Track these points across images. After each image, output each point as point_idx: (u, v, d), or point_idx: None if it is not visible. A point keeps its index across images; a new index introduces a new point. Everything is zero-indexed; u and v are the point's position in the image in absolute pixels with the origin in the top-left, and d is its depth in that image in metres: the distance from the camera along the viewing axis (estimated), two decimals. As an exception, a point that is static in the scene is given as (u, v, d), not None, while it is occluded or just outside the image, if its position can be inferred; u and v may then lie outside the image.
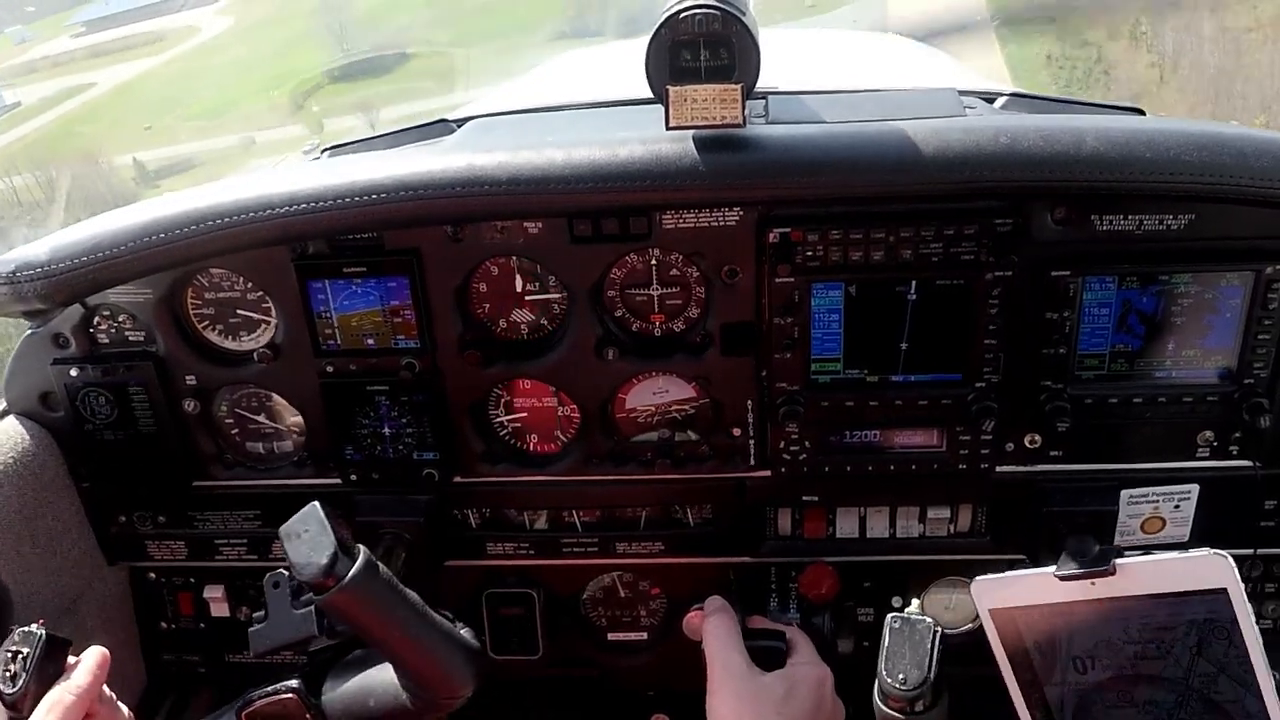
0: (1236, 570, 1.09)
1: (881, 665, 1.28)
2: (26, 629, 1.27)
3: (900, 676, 1.26)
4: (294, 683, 1.35)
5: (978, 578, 1.20)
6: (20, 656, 1.25)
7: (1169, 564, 1.11)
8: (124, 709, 1.34)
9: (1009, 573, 1.19)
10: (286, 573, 1.47)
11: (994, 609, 1.19)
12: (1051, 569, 1.16)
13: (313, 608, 1.34)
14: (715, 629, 1.48)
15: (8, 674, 1.24)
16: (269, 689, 1.35)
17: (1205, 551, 1.09)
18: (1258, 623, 1.75)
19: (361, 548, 1.27)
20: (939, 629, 1.31)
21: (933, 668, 1.25)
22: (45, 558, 1.69)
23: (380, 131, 2.05)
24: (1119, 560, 1.12)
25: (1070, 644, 1.18)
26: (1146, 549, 1.63)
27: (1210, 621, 1.11)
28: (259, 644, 1.37)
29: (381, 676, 1.34)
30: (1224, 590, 1.09)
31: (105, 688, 1.29)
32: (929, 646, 1.27)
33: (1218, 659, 1.12)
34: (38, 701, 1.22)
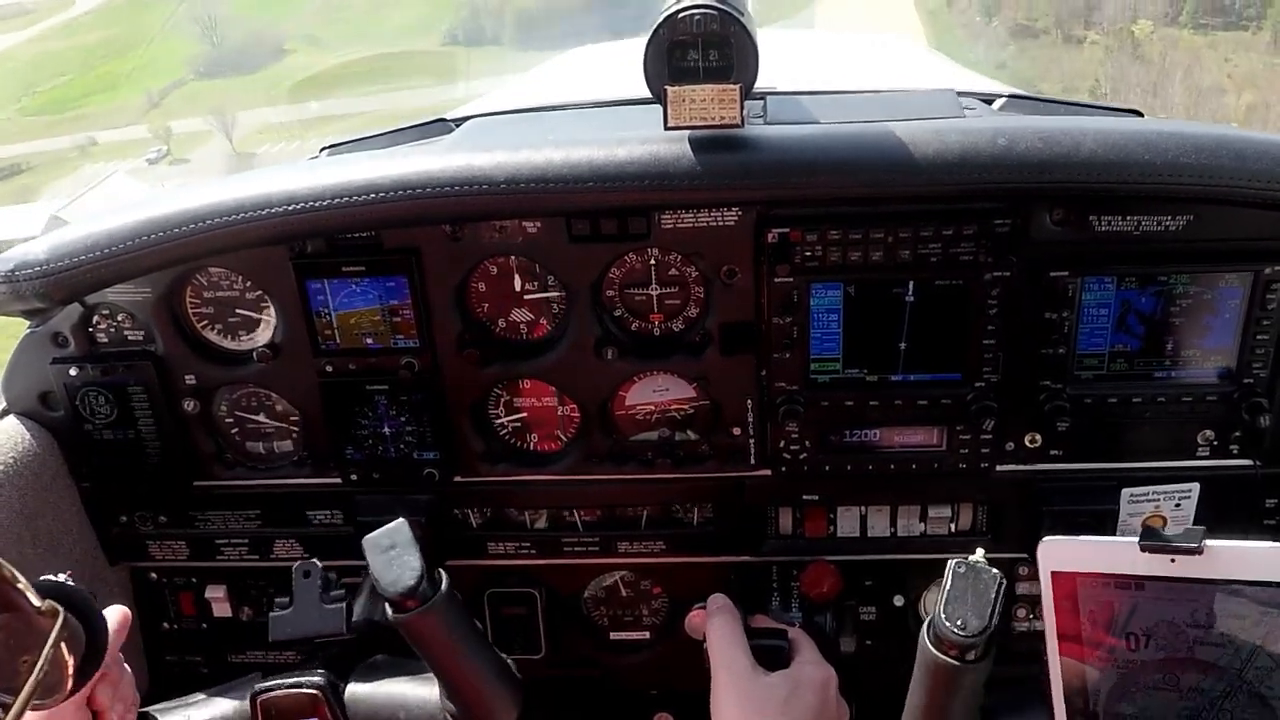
0: None
1: (940, 608, 1.21)
2: (52, 578, 1.25)
3: (959, 621, 1.19)
4: (318, 679, 1.35)
5: (1046, 538, 1.16)
6: None
7: (1261, 551, 1.07)
8: (128, 669, 1.34)
9: (1084, 536, 1.16)
10: (319, 564, 1.47)
11: (1058, 571, 1.16)
12: (1134, 539, 1.11)
13: (343, 606, 1.34)
14: (718, 628, 1.48)
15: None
16: (290, 680, 1.34)
17: None
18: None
19: (443, 574, 1.28)
20: (1004, 581, 1.24)
21: (994, 618, 1.18)
22: (46, 558, 1.69)
23: (377, 130, 2.05)
24: (1208, 541, 1.08)
25: (1129, 619, 1.15)
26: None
27: None
28: (280, 631, 1.37)
29: (417, 692, 1.34)
30: None
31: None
32: (993, 596, 1.20)
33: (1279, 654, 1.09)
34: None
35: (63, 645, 1.07)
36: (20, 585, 1.01)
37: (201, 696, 1.51)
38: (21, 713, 0.91)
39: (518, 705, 1.34)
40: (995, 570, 1.26)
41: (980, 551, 1.29)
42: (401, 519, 1.27)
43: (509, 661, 1.38)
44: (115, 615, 1.28)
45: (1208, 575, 1.10)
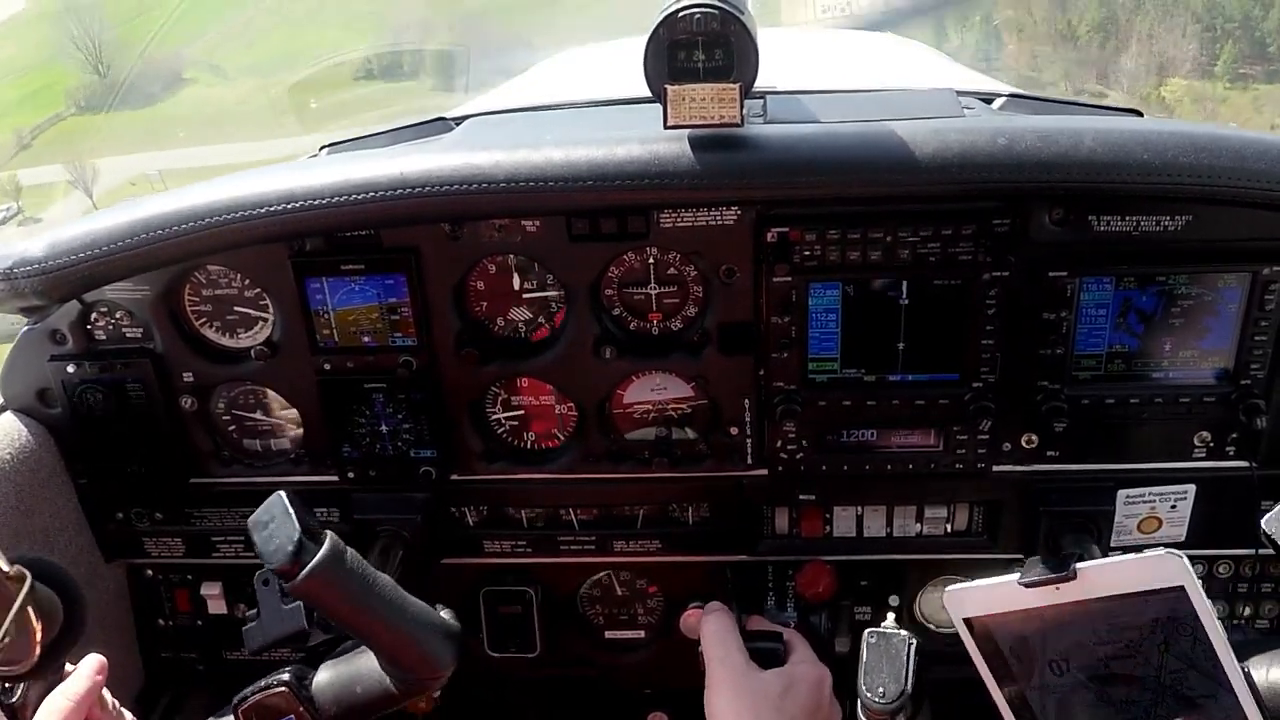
0: (1191, 567, 1.11)
1: (861, 680, 1.32)
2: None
3: (880, 690, 1.30)
4: (285, 676, 1.35)
5: (948, 588, 1.23)
6: None
7: (1125, 565, 1.14)
8: (128, 715, 1.34)
9: (977, 581, 1.22)
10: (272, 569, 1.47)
11: (968, 618, 1.22)
12: (1015, 577, 1.19)
13: (300, 604, 1.34)
14: (713, 627, 1.48)
15: (5, 682, 1.23)
16: (261, 684, 1.35)
17: (1159, 551, 1.12)
18: (1257, 622, 1.76)
19: (328, 532, 1.26)
20: (913, 641, 1.35)
21: (909, 680, 1.31)
22: (42, 554, 1.69)
23: (376, 129, 2.05)
24: (1079, 565, 1.15)
25: (1045, 648, 1.21)
26: (1143, 548, 1.63)
27: (1173, 619, 1.14)
28: (253, 641, 1.37)
29: (367, 663, 1.35)
30: (1181, 588, 1.11)
31: (106, 692, 1.29)
32: (905, 659, 1.33)
33: (1185, 654, 1.15)
34: (36, 709, 1.22)
35: (30, 611, 1.06)
36: None
37: None
38: None
39: (451, 651, 1.33)
40: (904, 633, 1.36)
41: (891, 617, 1.41)
42: (279, 491, 1.26)
43: (443, 613, 1.36)
44: (90, 663, 1.28)
45: (1089, 596, 1.16)
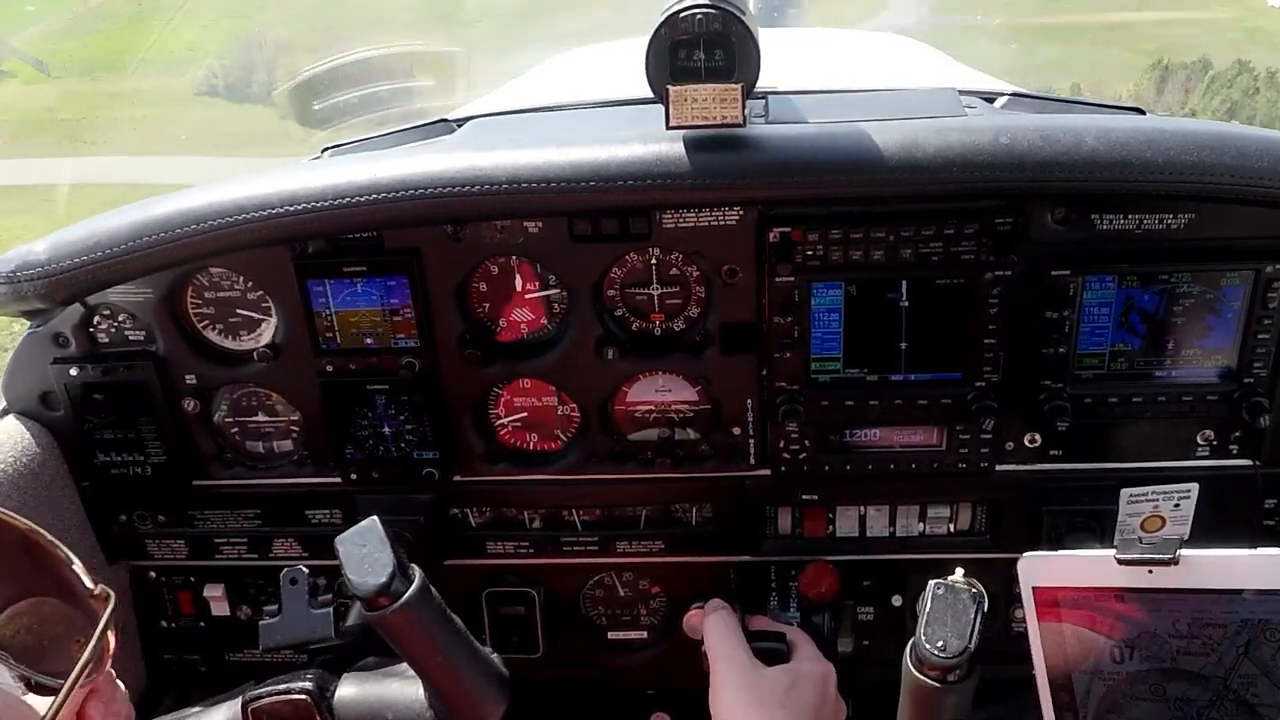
0: None
1: (921, 630, 1.22)
2: None
3: (940, 643, 1.21)
4: (308, 684, 1.34)
5: (1025, 555, 1.16)
6: None
7: (1235, 560, 1.08)
8: (121, 686, 1.34)
9: (1061, 551, 1.16)
10: (306, 570, 1.47)
11: (1039, 587, 1.16)
12: (1111, 551, 1.13)
13: (330, 610, 1.33)
14: (716, 625, 1.48)
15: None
16: (280, 687, 1.34)
17: (1275, 551, 1.06)
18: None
19: (417, 569, 1.27)
20: (984, 599, 1.26)
21: (974, 638, 1.20)
22: None
23: (379, 131, 2.05)
24: (1183, 551, 1.09)
25: (1112, 631, 1.15)
26: None
27: (1265, 622, 1.08)
28: (270, 639, 1.36)
29: (404, 692, 1.33)
30: None
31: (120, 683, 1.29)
32: (972, 616, 1.22)
33: (1264, 662, 1.09)
34: None
35: (109, 630, 1.07)
36: (76, 567, 1.00)
37: (194, 710, 1.52)
38: (70, 692, 0.91)
39: (503, 701, 1.33)
40: (976, 589, 1.27)
41: (959, 571, 1.30)
42: (374, 516, 1.26)
43: (494, 657, 1.37)
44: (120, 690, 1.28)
45: (1185, 585, 1.11)
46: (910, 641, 1.23)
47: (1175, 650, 1.13)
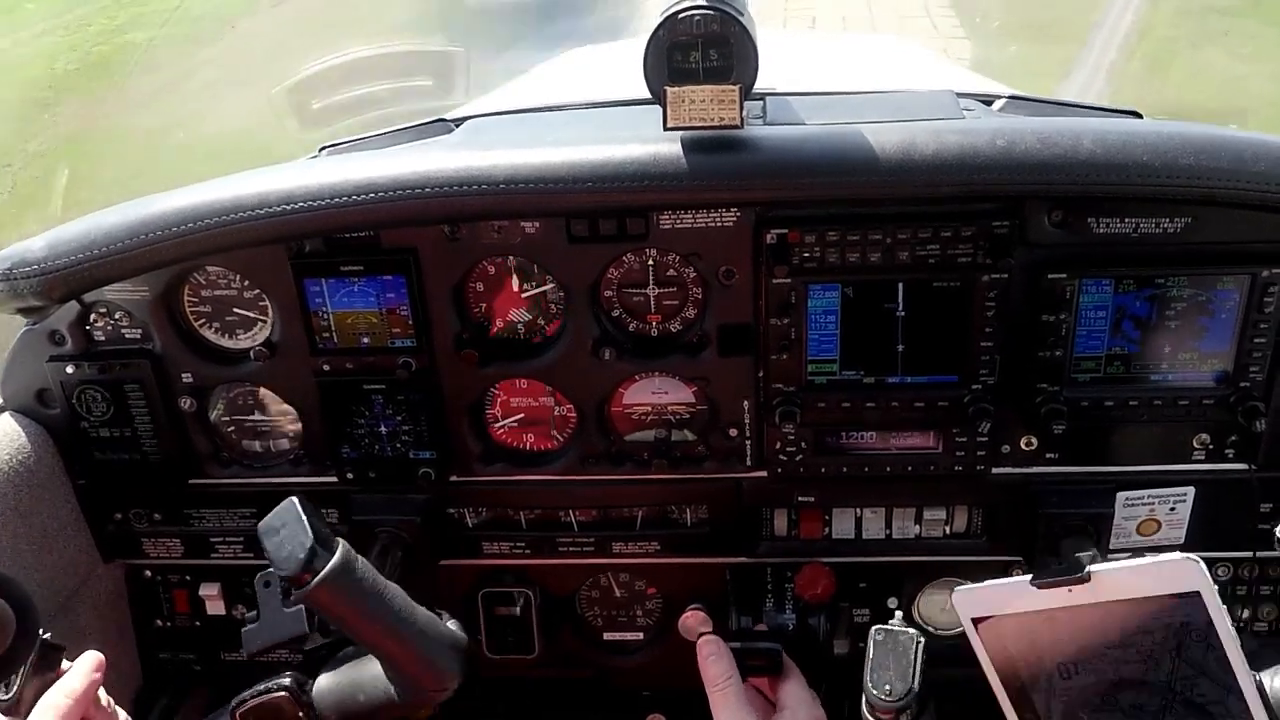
0: (1208, 573, 1.10)
1: (867, 677, 1.30)
2: None
3: (886, 688, 1.28)
4: (285, 680, 1.35)
5: (957, 589, 1.22)
6: None
7: (1142, 569, 1.12)
8: (123, 715, 1.34)
9: (987, 581, 1.21)
10: (275, 571, 1.47)
11: (976, 618, 1.21)
12: (1027, 578, 1.17)
13: (302, 607, 1.33)
14: (721, 695, 1.45)
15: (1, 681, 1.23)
16: (260, 688, 1.35)
17: (1177, 555, 1.10)
18: (1255, 625, 1.76)
19: (340, 540, 1.26)
20: (921, 640, 1.33)
21: (917, 678, 1.28)
22: (40, 555, 1.69)
23: (376, 130, 2.05)
24: (1093, 567, 1.13)
25: (1054, 650, 1.19)
26: (1142, 551, 1.63)
27: (1187, 625, 1.12)
28: (251, 644, 1.37)
29: (371, 671, 1.34)
30: (1197, 593, 1.10)
31: (103, 692, 1.29)
32: (913, 657, 1.30)
33: (1197, 661, 1.13)
34: (32, 707, 1.22)
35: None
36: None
37: None
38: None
39: (458, 665, 1.33)
40: (911, 630, 1.34)
41: (899, 615, 1.38)
42: (293, 497, 1.26)
43: (450, 624, 1.36)
44: (88, 660, 1.28)
45: (1103, 599, 1.14)
46: (864, 694, 1.29)
47: (1115, 660, 1.16)
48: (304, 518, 1.23)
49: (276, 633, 1.35)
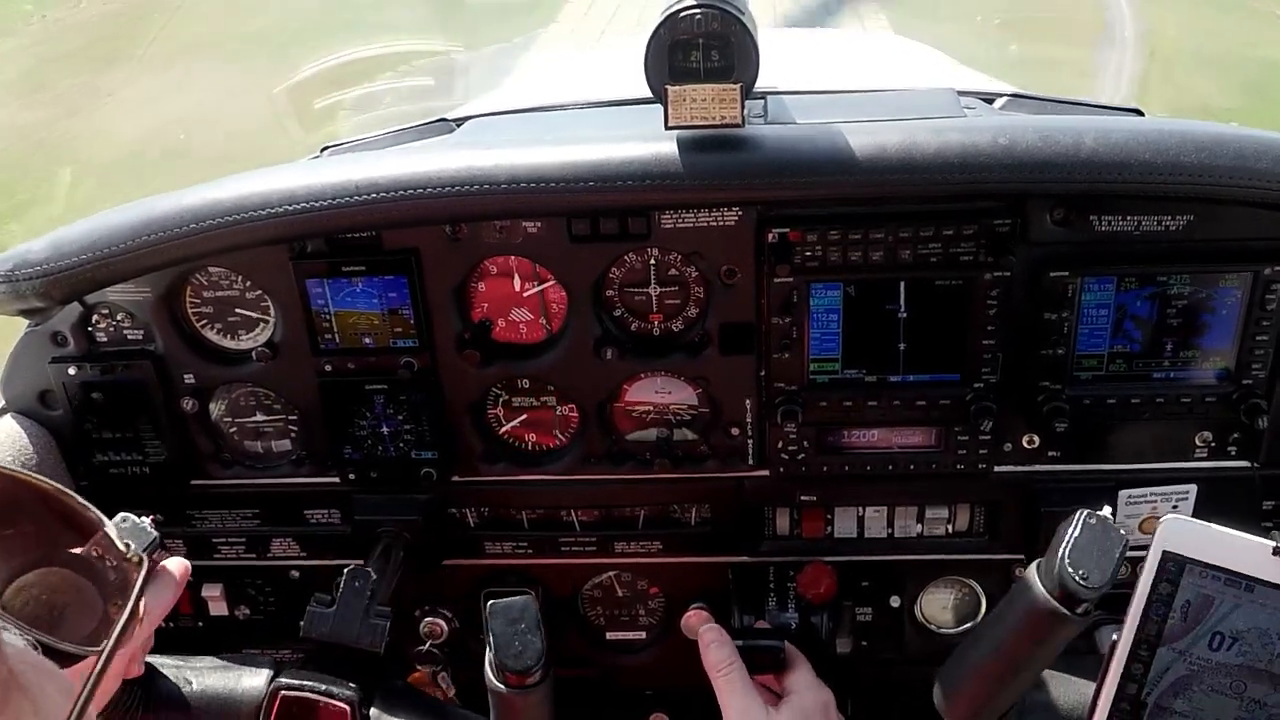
0: None
1: (1065, 554, 1.16)
2: (138, 522, 1.17)
3: (1083, 572, 1.15)
4: (350, 693, 1.33)
5: (1171, 516, 1.10)
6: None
7: None
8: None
9: (1212, 525, 1.09)
10: (372, 574, 1.46)
11: (1170, 553, 1.09)
12: (1271, 542, 1.06)
13: (386, 624, 1.33)
14: (726, 681, 1.47)
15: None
16: (321, 686, 1.33)
17: None
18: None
19: (550, 668, 1.31)
20: (1129, 541, 1.20)
21: (1114, 577, 1.15)
22: None
23: (378, 130, 2.05)
24: None
25: (1224, 618, 1.09)
26: (1143, 549, 1.63)
27: None
28: (316, 627, 1.35)
29: None
30: None
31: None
32: (1117, 555, 1.16)
33: None
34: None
35: (144, 598, 1.07)
36: (109, 530, 1.01)
37: (208, 661, 1.50)
38: (110, 660, 0.90)
39: None
40: (1123, 530, 1.21)
41: (1107, 509, 1.23)
42: (529, 595, 1.32)
43: None
44: (178, 567, 1.30)
45: None
46: (1037, 563, 1.19)
47: (1276, 653, 1.08)
48: (541, 627, 1.28)
49: (348, 632, 1.35)
